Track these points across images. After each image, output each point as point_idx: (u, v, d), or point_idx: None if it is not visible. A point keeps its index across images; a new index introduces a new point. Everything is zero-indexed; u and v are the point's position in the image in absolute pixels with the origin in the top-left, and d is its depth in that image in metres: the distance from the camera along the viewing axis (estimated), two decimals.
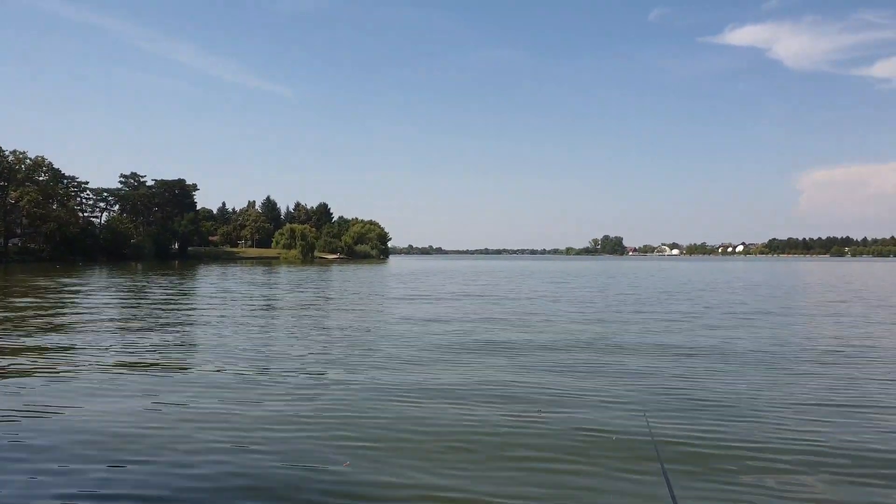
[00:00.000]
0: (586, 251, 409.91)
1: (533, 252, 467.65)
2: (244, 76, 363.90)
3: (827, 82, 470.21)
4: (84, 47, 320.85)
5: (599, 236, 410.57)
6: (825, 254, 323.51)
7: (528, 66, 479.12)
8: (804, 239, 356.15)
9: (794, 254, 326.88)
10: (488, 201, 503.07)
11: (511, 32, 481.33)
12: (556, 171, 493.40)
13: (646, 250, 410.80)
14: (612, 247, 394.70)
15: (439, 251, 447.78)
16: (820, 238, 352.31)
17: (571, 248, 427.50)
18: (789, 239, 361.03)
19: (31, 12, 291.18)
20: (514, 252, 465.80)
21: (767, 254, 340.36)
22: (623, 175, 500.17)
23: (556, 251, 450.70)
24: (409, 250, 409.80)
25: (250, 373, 10.45)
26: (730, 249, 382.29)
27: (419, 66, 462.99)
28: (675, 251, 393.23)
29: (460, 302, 26.06)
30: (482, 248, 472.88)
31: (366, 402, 8.42)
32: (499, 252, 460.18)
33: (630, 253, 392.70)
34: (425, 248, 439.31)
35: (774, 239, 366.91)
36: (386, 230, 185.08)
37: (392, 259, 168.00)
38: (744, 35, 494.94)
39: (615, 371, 10.77)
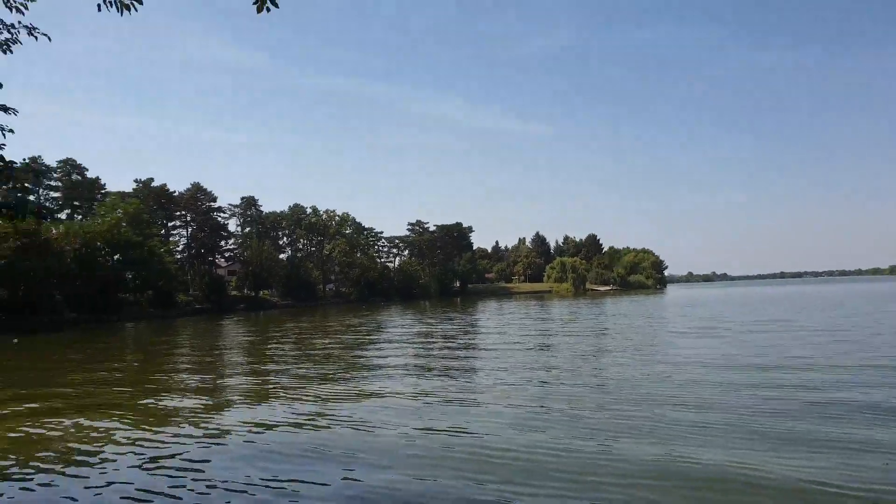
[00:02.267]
0: None
1: (843, 273, 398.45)
2: (505, 120, 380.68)
3: None
4: (371, 113, 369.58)
5: None
6: None
7: (819, 69, 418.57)
8: None
9: None
10: (779, 217, 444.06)
11: (788, 31, 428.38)
12: (863, 175, 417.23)
13: None
14: None
15: (724, 277, 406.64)
16: None
17: None
18: None
19: (314, 90, 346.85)
20: (820, 274, 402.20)
21: None
22: None
23: (876, 270, 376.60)
24: (689, 278, 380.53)
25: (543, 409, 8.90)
26: None
27: (678, 83, 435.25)
28: None
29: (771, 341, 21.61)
30: (776, 271, 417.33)
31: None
32: (798, 275, 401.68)
33: None
34: (707, 274, 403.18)
35: None
36: (661, 258, 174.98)
37: (670, 288, 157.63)
38: None
39: None
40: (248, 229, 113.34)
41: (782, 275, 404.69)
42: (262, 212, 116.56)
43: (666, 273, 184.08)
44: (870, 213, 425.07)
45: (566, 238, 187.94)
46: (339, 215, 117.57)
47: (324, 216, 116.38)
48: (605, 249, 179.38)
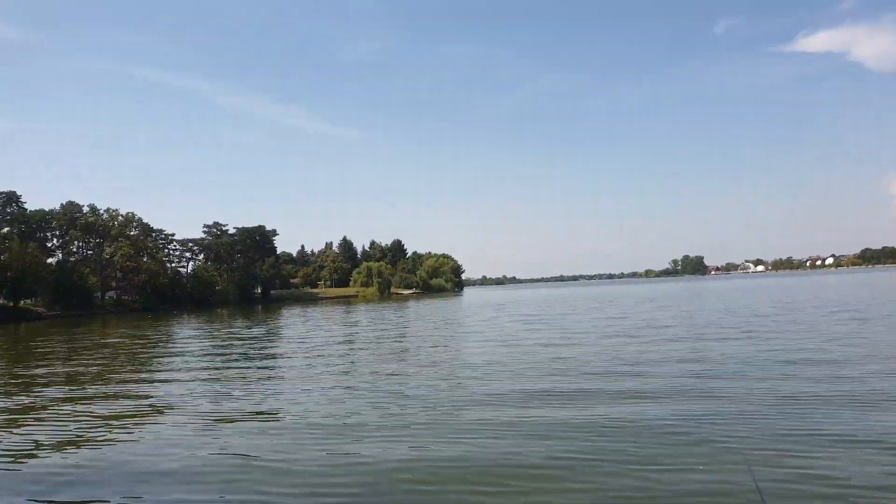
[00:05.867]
0: (666, 272, 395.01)
1: (610, 276, 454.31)
2: (314, 122, 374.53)
3: None
4: (167, 108, 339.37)
5: (679, 256, 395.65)
6: None
7: (591, 88, 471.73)
8: None
9: (891, 263, 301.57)
10: (560, 227, 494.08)
11: (571, 58, 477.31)
12: (629, 193, 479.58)
13: (729, 268, 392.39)
14: (692, 267, 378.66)
15: (513, 280, 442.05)
16: None
17: (650, 271, 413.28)
18: (884, 248, 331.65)
19: (116, 76, 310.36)
20: (591, 277, 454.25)
21: (860, 265, 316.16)
22: (701, 192, 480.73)
23: (634, 274, 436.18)
24: (483, 281, 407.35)
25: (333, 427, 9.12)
26: (819, 263, 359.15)
27: (480, 98, 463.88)
28: (760, 268, 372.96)
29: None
30: (557, 275, 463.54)
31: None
32: (575, 278, 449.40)
33: (712, 272, 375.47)
34: (499, 278, 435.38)
35: (868, 249, 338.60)
36: (459, 262, 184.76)
37: (466, 291, 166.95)
38: (818, 41, 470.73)
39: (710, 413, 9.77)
40: (6, 229, 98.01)
41: (561, 278, 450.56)
42: (25, 209, 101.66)
43: (463, 276, 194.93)
44: (626, 227, 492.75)
45: (373, 243, 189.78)
46: (122, 215, 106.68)
47: (104, 215, 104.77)
48: (410, 254, 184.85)
